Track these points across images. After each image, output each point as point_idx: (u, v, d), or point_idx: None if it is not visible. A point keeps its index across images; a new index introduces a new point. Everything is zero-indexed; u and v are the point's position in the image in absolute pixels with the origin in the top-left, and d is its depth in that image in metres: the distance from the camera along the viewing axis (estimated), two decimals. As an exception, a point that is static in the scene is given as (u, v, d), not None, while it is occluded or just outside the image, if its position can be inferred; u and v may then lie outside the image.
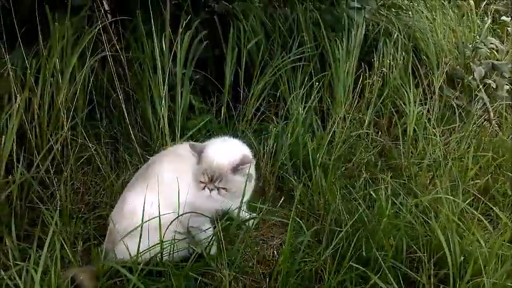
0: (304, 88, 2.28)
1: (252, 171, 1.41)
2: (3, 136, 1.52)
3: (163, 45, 1.96)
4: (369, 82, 2.39)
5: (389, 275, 1.17)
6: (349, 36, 2.50)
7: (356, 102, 2.35)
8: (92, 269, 1.29)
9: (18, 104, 1.58)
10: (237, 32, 2.34)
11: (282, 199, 1.76)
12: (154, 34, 1.92)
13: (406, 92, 2.31)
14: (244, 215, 1.53)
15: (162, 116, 1.86)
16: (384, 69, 2.48)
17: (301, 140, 1.95)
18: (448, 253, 1.20)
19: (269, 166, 1.91)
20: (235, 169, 1.32)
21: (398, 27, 2.80)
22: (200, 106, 2.06)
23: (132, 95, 1.95)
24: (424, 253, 1.26)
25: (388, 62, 2.54)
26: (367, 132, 2.18)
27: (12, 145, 1.56)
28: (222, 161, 1.32)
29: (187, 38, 2.06)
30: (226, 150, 1.37)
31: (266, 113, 2.30)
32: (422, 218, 1.40)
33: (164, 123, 1.86)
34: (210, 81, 2.33)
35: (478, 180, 1.70)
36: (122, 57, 1.96)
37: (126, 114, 1.80)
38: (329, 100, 2.37)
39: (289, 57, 2.38)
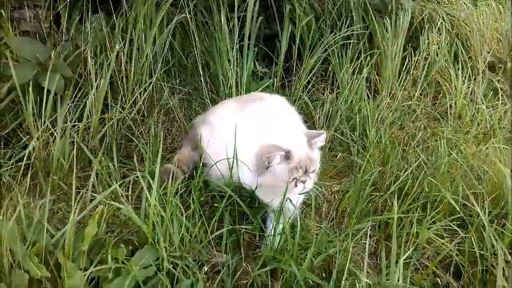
0: (354, 64, 2.53)
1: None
2: (101, 80, 1.81)
3: (223, 18, 2.23)
4: (415, 62, 2.62)
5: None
6: (396, 20, 2.74)
7: (403, 80, 2.58)
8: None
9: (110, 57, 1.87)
10: (289, 13, 2.61)
11: (339, 155, 2.03)
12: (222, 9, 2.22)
13: (451, 73, 2.54)
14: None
15: (230, 77, 2.14)
16: (429, 52, 2.71)
17: (356, 105, 2.20)
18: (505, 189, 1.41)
19: (324, 128, 2.16)
20: (312, 144, 1.38)
21: (442, 15, 3.03)
22: (263, 71, 2.33)
23: (203, 59, 2.23)
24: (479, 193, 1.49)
25: (433, 46, 2.77)
26: (414, 108, 2.41)
27: (106, 91, 1.85)
28: (301, 142, 1.37)
29: (250, 13, 2.34)
30: (302, 134, 1.41)
31: (316, 85, 2.55)
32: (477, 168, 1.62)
33: (232, 83, 2.13)
34: (266, 54, 2.61)
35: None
36: (194, 26, 2.24)
37: (201, 74, 2.08)
38: (377, 77, 2.61)
39: (340, 35, 2.63)
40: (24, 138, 1.72)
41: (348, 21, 2.77)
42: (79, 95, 1.83)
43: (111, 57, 1.87)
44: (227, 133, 1.41)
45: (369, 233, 1.23)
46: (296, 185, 1.34)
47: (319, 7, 2.99)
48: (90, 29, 2.01)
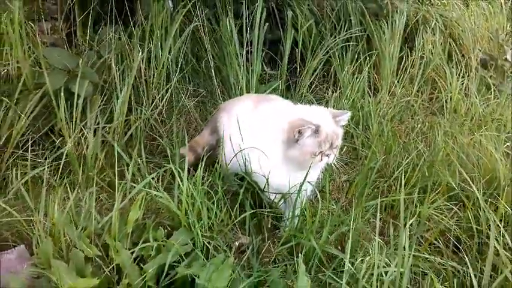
0: (354, 65, 2.74)
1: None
2: (125, 84, 2.00)
3: (232, 25, 2.44)
4: (411, 62, 2.83)
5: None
6: (392, 22, 2.96)
7: (400, 78, 2.79)
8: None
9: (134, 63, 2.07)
10: (291, 19, 2.83)
11: (345, 148, 2.22)
12: (230, 16, 2.44)
13: (445, 71, 2.75)
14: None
15: (240, 79, 2.34)
16: (424, 52, 2.93)
17: (358, 102, 2.41)
18: (497, 172, 1.62)
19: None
20: (337, 120, 1.51)
21: (435, 16, 3.26)
22: (270, 73, 2.53)
23: (215, 64, 2.43)
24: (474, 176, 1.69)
25: (428, 46, 2.99)
26: (412, 104, 2.62)
27: (129, 95, 2.04)
28: (328, 123, 1.49)
29: (258, 19, 2.55)
30: (327, 112, 1.55)
31: (319, 86, 2.76)
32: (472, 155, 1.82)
33: (243, 86, 2.33)
34: (271, 58, 2.82)
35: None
36: (205, 33, 2.45)
37: (214, 77, 2.28)
38: (376, 76, 2.82)
39: (340, 38, 2.84)
40: (57, 141, 1.90)
41: (346, 25, 2.99)
42: (105, 99, 2.02)
43: (133, 64, 2.07)
44: (242, 122, 1.61)
45: (378, 212, 1.41)
46: (321, 159, 1.48)
47: (319, 12, 3.22)
48: (110, 38, 2.21)
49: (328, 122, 1.48)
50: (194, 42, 2.50)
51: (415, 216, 1.57)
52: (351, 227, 1.38)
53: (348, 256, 1.30)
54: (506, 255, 1.26)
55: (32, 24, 2.10)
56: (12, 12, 2.02)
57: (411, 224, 1.50)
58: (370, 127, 2.21)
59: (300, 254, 1.41)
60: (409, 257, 1.23)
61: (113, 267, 1.31)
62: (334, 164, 1.55)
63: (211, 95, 2.32)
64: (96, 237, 1.39)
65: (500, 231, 1.35)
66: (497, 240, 1.38)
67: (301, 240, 1.43)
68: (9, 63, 1.98)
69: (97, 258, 1.33)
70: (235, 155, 1.61)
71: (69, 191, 1.49)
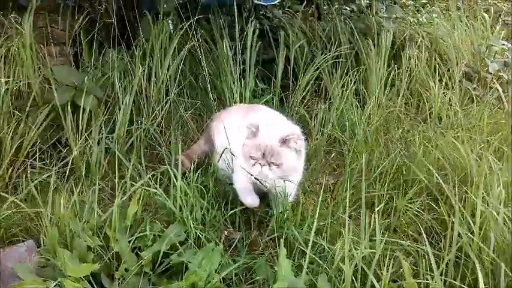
0: (343, 79, 2.93)
1: (301, 148, 1.60)
2: (126, 98, 2.20)
3: (226, 45, 2.66)
4: (398, 76, 3.02)
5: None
6: (379, 40, 3.17)
7: (387, 91, 2.97)
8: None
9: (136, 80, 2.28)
10: (284, 39, 3.05)
11: (333, 155, 2.38)
12: (225, 36, 2.67)
13: (430, 84, 2.93)
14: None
15: (235, 94, 2.54)
16: (411, 66, 3.12)
17: (346, 114, 2.58)
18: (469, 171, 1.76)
19: (319, 134, 2.53)
20: (284, 141, 1.52)
21: (421, 34, 3.48)
22: (263, 87, 2.74)
23: (211, 80, 2.63)
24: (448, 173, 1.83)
25: (414, 61, 3.18)
26: (398, 114, 2.78)
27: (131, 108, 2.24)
28: (273, 134, 1.54)
29: (251, 39, 2.78)
30: (278, 125, 1.63)
31: (311, 100, 2.95)
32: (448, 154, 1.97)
33: (237, 100, 2.53)
34: (265, 75, 3.02)
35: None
36: (201, 51, 2.67)
37: (210, 92, 2.48)
38: (364, 90, 3.01)
39: (330, 55, 3.05)
40: (64, 151, 2.09)
41: (336, 43, 3.21)
42: (108, 112, 2.21)
43: (135, 80, 2.27)
44: (229, 129, 1.78)
45: (348, 202, 1.55)
46: (254, 165, 1.54)
47: (310, 33, 3.46)
48: (113, 59, 2.43)
49: (272, 134, 1.54)
50: (191, 60, 2.71)
51: (392, 209, 1.71)
52: (329, 222, 1.51)
53: (325, 242, 1.44)
54: (468, 236, 1.39)
55: (42, 46, 2.32)
56: (23, 35, 2.25)
57: (388, 215, 1.63)
58: (356, 135, 2.37)
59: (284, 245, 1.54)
60: (380, 240, 1.36)
61: (113, 254, 1.46)
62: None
63: (207, 107, 2.51)
64: (98, 230, 1.54)
65: (464, 217, 1.49)
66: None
67: (284, 231, 1.57)
68: (20, 81, 2.18)
69: (98, 248, 1.48)
70: (220, 156, 1.77)
71: (74, 189, 1.65)
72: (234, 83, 2.57)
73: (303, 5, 3.80)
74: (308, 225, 1.58)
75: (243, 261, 1.50)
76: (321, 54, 3.12)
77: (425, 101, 2.95)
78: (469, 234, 1.41)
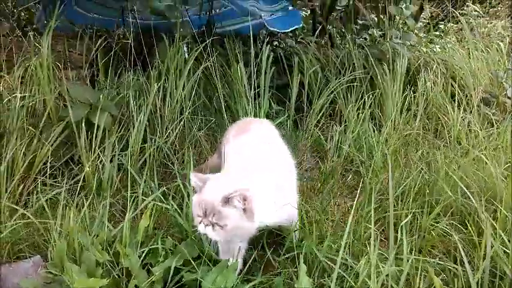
0: (358, 103, 2.91)
1: (251, 205, 1.34)
2: (140, 116, 2.20)
3: (241, 67, 2.69)
4: (414, 100, 2.99)
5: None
6: (394, 65, 3.17)
7: (404, 115, 2.93)
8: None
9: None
10: (298, 65, 3.07)
11: (350, 176, 2.32)
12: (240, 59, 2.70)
13: (447, 107, 2.89)
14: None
15: (249, 114, 2.54)
16: (427, 91, 3.09)
17: (362, 136, 2.54)
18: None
19: (335, 156, 2.48)
20: (227, 200, 1.31)
21: (437, 61, 3.48)
22: (277, 108, 2.72)
23: (225, 100, 2.64)
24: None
25: (430, 86, 3.16)
26: (416, 137, 2.73)
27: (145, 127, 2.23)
28: (216, 191, 1.34)
29: (265, 61, 2.80)
30: (223, 183, 1.39)
31: (326, 124, 2.92)
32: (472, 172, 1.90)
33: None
34: (279, 99, 3.03)
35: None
36: (215, 73, 2.69)
37: (224, 113, 2.47)
38: (380, 114, 2.97)
39: (344, 79, 3.05)
40: (76, 168, 2.07)
41: (350, 69, 3.22)
42: (122, 129, 2.20)
43: (149, 99, 2.28)
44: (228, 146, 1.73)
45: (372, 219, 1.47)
46: (200, 222, 1.35)
47: (324, 59, 3.49)
48: (130, 79, 2.46)
49: (215, 192, 1.35)
50: (205, 82, 2.73)
51: (417, 228, 1.62)
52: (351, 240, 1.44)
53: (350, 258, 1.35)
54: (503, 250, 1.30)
55: (59, 70, 2.35)
56: (41, 55, 2.29)
57: (412, 235, 1.55)
58: (374, 157, 2.31)
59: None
60: (407, 258, 1.28)
61: (122, 270, 1.39)
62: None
63: (221, 128, 2.49)
64: (107, 245, 1.48)
65: (497, 232, 1.40)
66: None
67: (302, 250, 1.49)
68: (36, 98, 2.20)
69: (107, 263, 1.41)
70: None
71: (84, 204, 1.61)
72: (248, 104, 2.57)
73: (315, 34, 3.87)
74: (328, 244, 1.50)
75: (259, 280, 1.41)
76: (335, 79, 3.12)
77: (443, 124, 2.89)
78: (503, 248, 1.31)
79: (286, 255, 1.54)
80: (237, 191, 1.32)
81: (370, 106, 2.90)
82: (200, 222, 1.35)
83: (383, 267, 1.27)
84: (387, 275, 1.24)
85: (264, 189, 1.42)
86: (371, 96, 2.91)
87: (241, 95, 2.59)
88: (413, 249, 1.52)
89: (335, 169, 2.28)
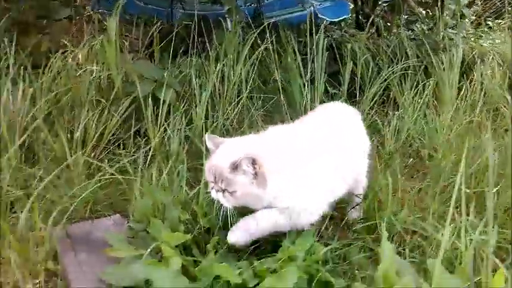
0: (413, 91, 2.88)
1: (263, 169, 1.27)
2: (203, 94, 2.26)
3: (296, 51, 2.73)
4: (471, 90, 2.93)
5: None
6: (449, 54, 3.13)
7: (461, 104, 2.88)
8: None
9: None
10: (349, 53, 3.08)
11: (410, 160, 2.30)
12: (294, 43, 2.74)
13: (507, 97, 2.82)
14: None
15: (305, 98, 2.56)
16: (483, 80, 3.03)
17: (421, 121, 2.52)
18: None
19: (393, 140, 2.46)
20: (235, 166, 1.26)
21: (492, 53, 3.41)
22: (333, 92, 2.74)
23: (281, 82, 2.67)
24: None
25: (487, 75, 3.10)
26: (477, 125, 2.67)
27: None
28: (225, 157, 1.30)
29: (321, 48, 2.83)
30: (234, 147, 1.34)
31: (378, 111, 2.91)
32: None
33: (307, 102, 2.53)
34: (331, 85, 3.04)
35: None
36: (271, 56, 2.73)
37: (281, 96, 2.51)
38: (435, 103, 2.94)
39: (398, 67, 3.03)
40: (142, 141, 2.14)
41: (402, 58, 3.20)
42: (186, 106, 2.27)
43: (210, 77, 2.34)
44: None
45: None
46: (212, 188, 1.33)
47: (375, 49, 3.48)
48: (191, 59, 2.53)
49: (224, 157, 1.31)
50: (260, 67, 2.77)
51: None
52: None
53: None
54: None
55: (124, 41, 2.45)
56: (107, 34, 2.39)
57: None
58: (437, 140, 2.29)
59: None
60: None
61: (200, 229, 1.44)
62: None
63: (277, 108, 2.53)
64: (186, 205, 1.53)
65: None
66: None
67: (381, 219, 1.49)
68: (103, 74, 2.30)
69: (187, 222, 1.46)
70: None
71: (163, 167, 1.67)
72: (304, 87, 2.59)
73: (365, 26, 3.87)
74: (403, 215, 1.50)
75: (334, 245, 1.42)
76: (387, 68, 3.11)
77: (503, 114, 2.83)
78: None
79: (361, 225, 1.54)
80: (245, 155, 1.24)
81: (426, 94, 2.87)
82: (212, 188, 1.32)
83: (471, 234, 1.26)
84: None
85: (295, 164, 1.33)
86: (427, 84, 2.88)
87: (296, 77, 2.62)
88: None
89: (396, 152, 2.27)
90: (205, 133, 2.14)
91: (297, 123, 1.60)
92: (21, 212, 1.42)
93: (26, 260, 1.37)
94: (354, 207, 1.68)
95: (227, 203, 1.30)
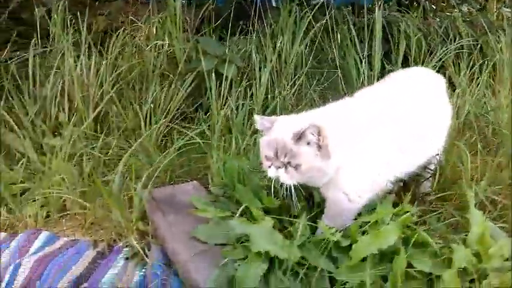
0: (470, 71, 2.83)
1: (325, 142, 1.20)
2: (265, 70, 2.30)
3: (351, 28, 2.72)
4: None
5: None
6: (506, 33, 3.05)
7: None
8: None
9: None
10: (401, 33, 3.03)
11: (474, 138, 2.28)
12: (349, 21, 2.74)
13: None
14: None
15: (361, 75, 2.56)
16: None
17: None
18: None
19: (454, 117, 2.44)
20: (298, 136, 1.19)
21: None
22: (390, 69, 2.72)
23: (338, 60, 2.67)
24: None
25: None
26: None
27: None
28: (286, 128, 1.23)
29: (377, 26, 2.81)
30: (294, 120, 1.28)
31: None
32: None
33: (364, 78, 2.54)
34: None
35: None
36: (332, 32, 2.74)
37: (339, 72, 2.52)
38: (492, 82, 2.88)
39: (452, 46, 2.98)
40: (205, 115, 2.20)
41: (456, 38, 3.14)
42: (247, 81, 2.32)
43: (269, 52, 2.38)
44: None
45: None
46: (269, 166, 1.24)
47: (426, 29, 3.43)
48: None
49: (285, 129, 1.23)
50: (318, 42, 2.78)
51: None
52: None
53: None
54: None
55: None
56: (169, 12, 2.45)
57: None
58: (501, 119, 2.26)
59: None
60: None
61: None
62: None
63: (334, 85, 2.55)
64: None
65: None
66: None
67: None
68: (167, 50, 2.37)
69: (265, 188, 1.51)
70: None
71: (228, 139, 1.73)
72: (361, 62, 2.60)
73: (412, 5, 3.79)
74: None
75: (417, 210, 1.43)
76: (440, 48, 3.06)
77: None
78: None
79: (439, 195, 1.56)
80: (310, 124, 1.18)
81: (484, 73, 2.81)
82: (270, 166, 1.23)
83: None
84: None
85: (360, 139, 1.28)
86: (485, 63, 2.83)
87: (352, 54, 2.62)
88: None
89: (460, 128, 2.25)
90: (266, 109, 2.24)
91: (369, 90, 1.55)
92: (114, 175, 1.49)
93: (119, 220, 1.45)
94: (426, 180, 1.69)
95: (290, 179, 1.21)
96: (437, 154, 1.62)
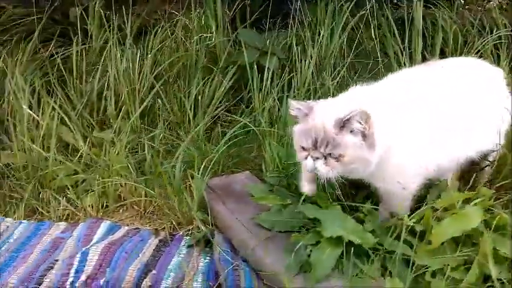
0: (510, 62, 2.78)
1: (371, 131, 1.10)
2: (306, 62, 2.28)
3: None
4: None
5: None
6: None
7: None
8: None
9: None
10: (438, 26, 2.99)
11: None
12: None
13: None
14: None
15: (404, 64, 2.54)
16: None
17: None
18: None
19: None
20: (342, 124, 1.08)
21: None
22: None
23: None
24: None
25: None
26: None
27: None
28: (327, 115, 1.11)
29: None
30: (336, 105, 1.16)
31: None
32: None
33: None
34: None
35: None
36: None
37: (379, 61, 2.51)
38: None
39: (491, 37, 2.93)
40: (247, 108, 2.20)
41: (494, 30, 3.09)
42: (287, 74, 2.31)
43: (308, 46, 2.37)
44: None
45: None
46: (306, 157, 1.13)
47: (460, 23, 3.39)
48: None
49: (325, 116, 1.12)
50: (357, 33, 2.75)
51: None
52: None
53: None
54: None
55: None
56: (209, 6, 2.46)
57: None
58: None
59: None
60: None
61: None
62: None
63: (374, 77, 2.52)
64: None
65: None
66: None
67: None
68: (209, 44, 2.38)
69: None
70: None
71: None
72: (402, 54, 2.57)
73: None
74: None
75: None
76: (477, 40, 3.02)
77: None
78: None
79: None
80: (358, 110, 1.06)
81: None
82: (307, 157, 1.12)
83: None
84: None
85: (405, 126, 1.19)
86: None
87: (392, 46, 2.60)
88: None
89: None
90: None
91: (413, 71, 1.53)
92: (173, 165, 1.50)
93: (180, 208, 1.46)
94: (483, 168, 1.65)
95: (330, 172, 1.10)
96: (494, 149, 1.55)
